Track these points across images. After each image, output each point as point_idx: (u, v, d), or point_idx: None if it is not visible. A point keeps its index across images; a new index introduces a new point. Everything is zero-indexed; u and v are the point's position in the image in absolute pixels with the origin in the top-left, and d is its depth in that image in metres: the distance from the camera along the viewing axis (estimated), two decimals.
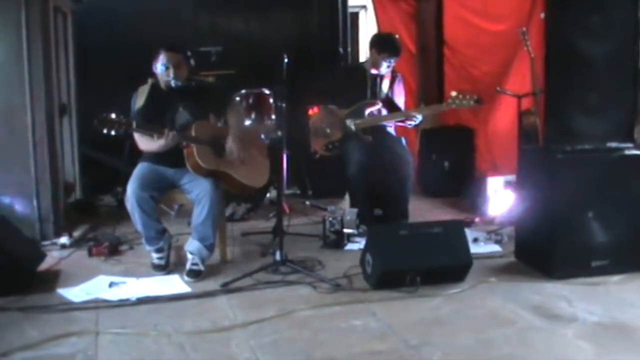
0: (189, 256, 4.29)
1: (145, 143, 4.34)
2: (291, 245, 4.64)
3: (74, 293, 3.92)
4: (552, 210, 4.10)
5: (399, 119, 5.43)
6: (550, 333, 3.28)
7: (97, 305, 3.75)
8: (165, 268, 4.37)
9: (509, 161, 5.54)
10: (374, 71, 5.45)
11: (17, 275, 3.94)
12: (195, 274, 4.21)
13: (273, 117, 6.05)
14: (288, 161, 5.34)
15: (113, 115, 4.01)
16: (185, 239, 4.54)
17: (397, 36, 5.72)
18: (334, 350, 3.13)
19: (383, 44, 5.46)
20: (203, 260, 4.29)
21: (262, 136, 5.28)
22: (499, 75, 6.18)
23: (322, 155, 5.48)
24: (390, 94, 5.52)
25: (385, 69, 5.41)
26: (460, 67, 6.95)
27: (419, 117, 5.32)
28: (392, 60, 5.38)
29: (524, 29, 5.38)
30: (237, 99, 6.00)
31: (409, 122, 5.37)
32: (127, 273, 4.35)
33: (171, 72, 4.33)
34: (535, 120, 5.49)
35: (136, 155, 4.52)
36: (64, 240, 4.98)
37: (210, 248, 4.33)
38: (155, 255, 4.39)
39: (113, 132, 4.01)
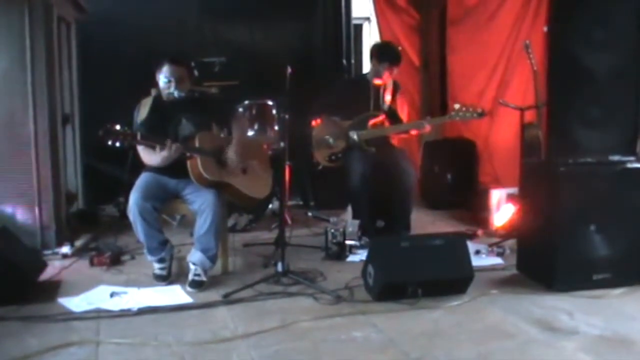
0: (192, 267, 4.28)
1: (148, 157, 4.34)
2: (293, 257, 4.65)
3: (74, 303, 3.92)
4: (554, 223, 4.09)
5: (401, 131, 5.44)
6: (551, 346, 3.27)
7: (98, 315, 3.75)
8: (166, 278, 4.37)
9: (512, 174, 5.51)
10: (377, 81, 5.45)
11: (17, 285, 3.94)
12: (197, 285, 4.21)
13: (276, 128, 6.06)
14: (290, 172, 5.36)
15: (117, 127, 4.01)
16: (187, 250, 4.54)
17: (397, 45, 5.73)
18: None
19: (382, 52, 5.48)
20: (206, 271, 4.28)
21: (265, 147, 5.28)
22: (501, 88, 6.18)
23: (325, 166, 5.48)
24: (393, 106, 5.53)
25: (387, 77, 5.42)
26: (463, 80, 6.94)
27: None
28: (394, 69, 5.40)
29: (527, 42, 5.38)
30: (241, 109, 6.01)
31: (411, 132, 5.40)
32: (128, 283, 4.36)
33: (172, 86, 4.33)
34: (537, 133, 5.48)
35: (139, 165, 4.51)
36: (65, 249, 4.98)
37: (212, 259, 4.33)
38: (157, 266, 4.39)
39: (118, 144, 4.01)
